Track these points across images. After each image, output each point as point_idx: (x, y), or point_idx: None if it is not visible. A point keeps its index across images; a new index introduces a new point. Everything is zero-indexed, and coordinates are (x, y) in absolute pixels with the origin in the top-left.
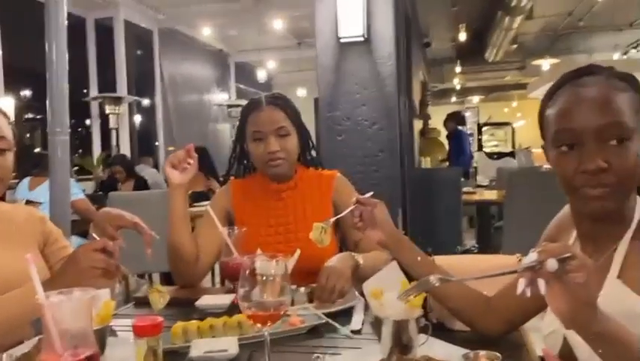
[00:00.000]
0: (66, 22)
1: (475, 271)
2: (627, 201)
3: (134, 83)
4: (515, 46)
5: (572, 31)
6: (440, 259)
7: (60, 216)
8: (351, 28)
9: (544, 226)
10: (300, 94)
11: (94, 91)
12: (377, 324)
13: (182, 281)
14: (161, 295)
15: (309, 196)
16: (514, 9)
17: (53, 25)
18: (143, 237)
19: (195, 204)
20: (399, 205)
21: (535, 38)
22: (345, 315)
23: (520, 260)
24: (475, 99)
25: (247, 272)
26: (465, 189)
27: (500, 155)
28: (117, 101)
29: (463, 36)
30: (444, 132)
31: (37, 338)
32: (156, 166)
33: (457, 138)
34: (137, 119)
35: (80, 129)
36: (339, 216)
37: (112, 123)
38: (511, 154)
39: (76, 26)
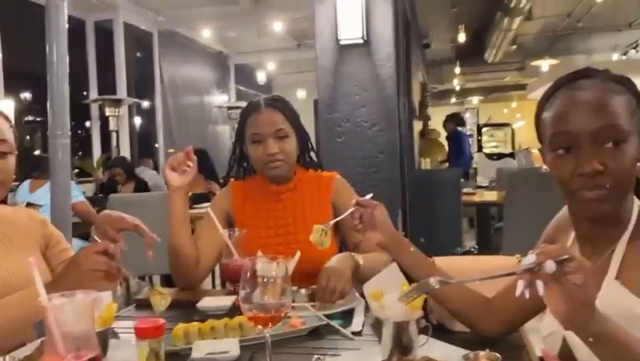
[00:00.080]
0: (67, 25)
1: (474, 272)
2: (624, 203)
3: (133, 85)
4: (514, 47)
5: (571, 32)
6: (440, 261)
7: (61, 219)
8: (351, 30)
9: (544, 227)
10: (300, 95)
11: (94, 93)
12: (377, 325)
13: (183, 283)
14: (162, 298)
15: (309, 198)
16: (514, 10)
17: (54, 28)
18: (145, 239)
19: (195, 206)
20: (399, 207)
21: (534, 39)
22: (346, 316)
23: (519, 261)
24: (475, 100)
25: (248, 274)
26: (465, 190)
27: (500, 156)
28: (117, 103)
29: (462, 37)
30: (444, 133)
31: (39, 340)
32: (156, 168)
33: (456, 139)
34: (137, 121)
35: (79, 131)
36: (339, 218)
37: (112, 125)
38: (511, 155)
39: (76, 29)
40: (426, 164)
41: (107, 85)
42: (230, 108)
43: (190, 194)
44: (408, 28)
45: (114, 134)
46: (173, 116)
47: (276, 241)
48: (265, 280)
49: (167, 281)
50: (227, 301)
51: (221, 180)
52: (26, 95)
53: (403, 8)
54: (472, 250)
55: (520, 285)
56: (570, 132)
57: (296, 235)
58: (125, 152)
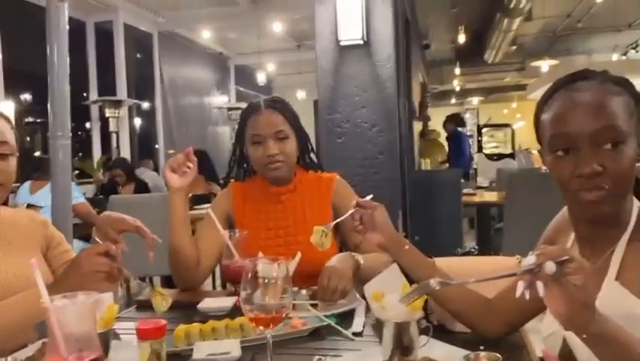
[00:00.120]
0: (67, 26)
1: (475, 273)
2: (623, 204)
3: (133, 86)
4: (514, 47)
5: (570, 32)
6: (440, 261)
7: (62, 220)
8: (351, 31)
9: (545, 227)
10: (300, 96)
11: (94, 94)
12: (378, 326)
13: (183, 284)
14: (163, 299)
15: (309, 199)
16: (513, 10)
17: (55, 29)
18: (146, 240)
19: (196, 207)
20: (399, 207)
21: (534, 40)
22: (347, 317)
23: (520, 262)
24: (475, 101)
25: (249, 275)
26: (465, 191)
27: (500, 156)
28: (117, 104)
29: (462, 38)
30: (444, 134)
31: (40, 341)
32: (156, 169)
33: (456, 140)
34: (137, 122)
35: (80, 133)
36: (339, 219)
37: (112, 126)
38: (511, 155)
39: (76, 30)
40: (426, 165)
41: (107, 86)
42: (230, 109)
43: (190, 195)
44: (408, 28)
45: (114, 136)
46: (173, 117)
47: (276, 242)
48: (266, 281)
49: (168, 282)
50: (228, 302)
51: (221, 182)
52: (26, 97)
53: (403, 9)
54: (473, 250)
55: (521, 286)
56: (569, 134)
57: (296, 236)
58: (125, 153)
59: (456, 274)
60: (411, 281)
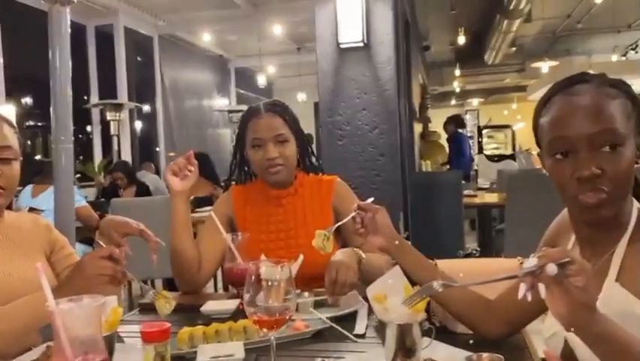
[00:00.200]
0: (69, 30)
1: (476, 274)
2: (623, 206)
3: (134, 90)
4: (514, 48)
5: (570, 33)
6: (442, 263)
7: (65, 224)
8: (351, 33)
9: (545, 228)
10: (300, 99)
11: (95, 98)
12: (381, 328)
13: (186, 287)
14: (167, 301)
15: (309, 202)
16: (513, 12)
17: (56, 33)
18: (149, 243)
19: (198, 209)
20: (400, 209)
21: (534, 41)
22: (350, 319)
23: (521, 263)
24: (475, 102)
25: (252, 278)
26: (466, 192)
27: (500, 157)
28: (118, 107)
29: (462, 39)
30: (444, 135)
31: (45, 345)
32: (157, 172)
33: (457, 141)
34: (138, 125)
35: (81, 136)
36: (340, 223)
37: (113, 130)
38: (512, 156)
39: (76, 34)
40: (427, 166)
41: (107, 89)
42: (230, 112)
43: (192, 198)
44: (408, 30)
45: (115, 139)
46: (174, 120)
47: (278, 245)
48: (269, 283)
49: (170, 285)
50: (231, 304)
51: (222, 184)
52: (27, 100)
53: (403, 11)
54: (474, 252)
55: (522, 288)
56: (567, 137)
57: (297, 240)
58: (126, 156)
59: (457, 276)
60: (413, 283)
